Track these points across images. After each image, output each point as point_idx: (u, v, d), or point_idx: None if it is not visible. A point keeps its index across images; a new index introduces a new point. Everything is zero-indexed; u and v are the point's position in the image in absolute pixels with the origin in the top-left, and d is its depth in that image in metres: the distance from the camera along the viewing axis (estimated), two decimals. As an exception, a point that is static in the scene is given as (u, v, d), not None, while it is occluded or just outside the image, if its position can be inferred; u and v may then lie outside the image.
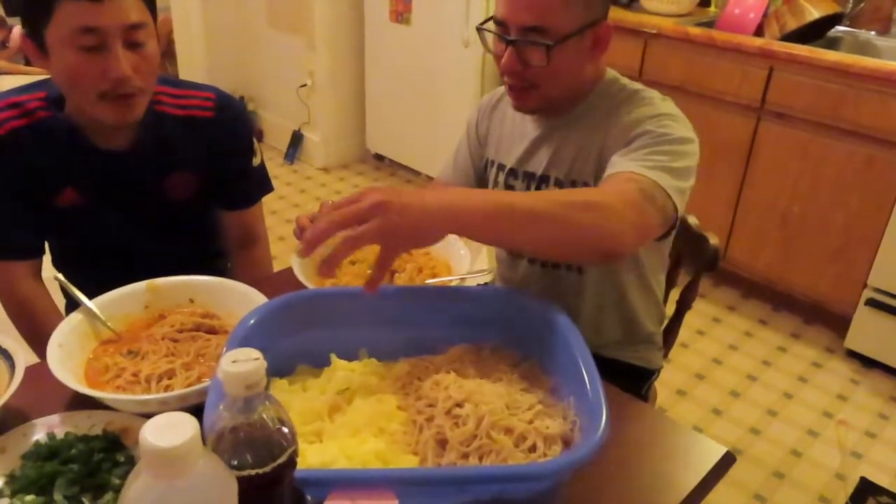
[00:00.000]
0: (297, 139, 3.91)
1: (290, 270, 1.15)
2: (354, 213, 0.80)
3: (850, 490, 1.95)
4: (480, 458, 0.76)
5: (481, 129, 1.38)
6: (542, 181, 1.24)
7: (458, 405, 0.81)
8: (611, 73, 1.23)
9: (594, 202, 0.92)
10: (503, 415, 0.80)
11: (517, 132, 1.29)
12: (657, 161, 1.03)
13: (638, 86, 1.21)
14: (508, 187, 1.30)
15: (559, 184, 1.22)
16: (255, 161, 1.39)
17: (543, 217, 0.87)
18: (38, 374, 0.92)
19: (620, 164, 1.05)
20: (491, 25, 1.16)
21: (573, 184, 1.20)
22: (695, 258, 1.40)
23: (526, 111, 1.23)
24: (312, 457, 0.76)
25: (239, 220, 1.43)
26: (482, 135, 1.38)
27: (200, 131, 1.29)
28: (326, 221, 0.80)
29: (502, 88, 1.32)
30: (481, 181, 1.40)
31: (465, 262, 1.19)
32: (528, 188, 1.27)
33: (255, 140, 1.40)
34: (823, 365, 2.47)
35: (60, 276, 1.12)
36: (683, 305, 1.46)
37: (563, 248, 0.94)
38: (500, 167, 1.31)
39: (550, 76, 1.12)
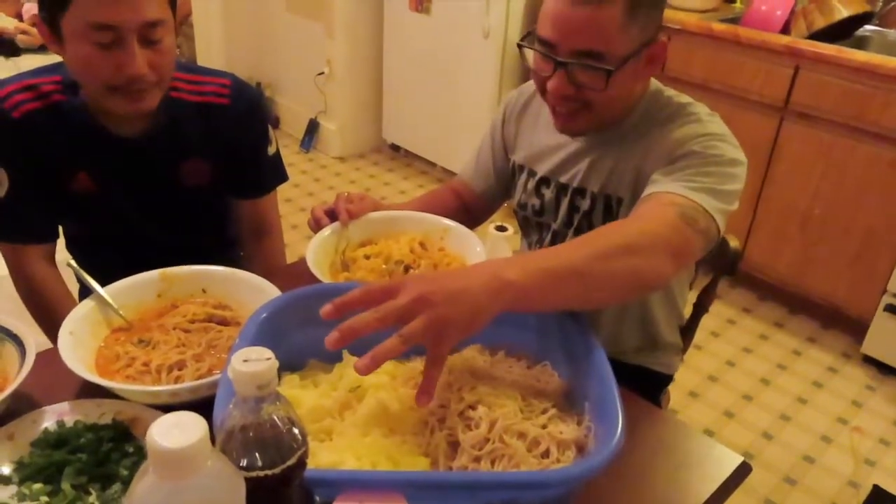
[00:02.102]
0: (313, 127, 3.90)
1: (303, 262, 1.14)
2: (395, 312, 0.72)
3: (863, 498, 1.92)
4: (493, 463, 0.75)
5: (508, 132, 1.32)
6: (576, 193, 1.20)
7: (471, 407, 0.80)
8: (654, 84, 1.16)
9: (631, 244, 0.88)
10: (516, 418, 0.78)
11: (553, 141, 1.22)
12: (702, 182, 0.99)
13: (685, 98, 1.14)
14: (539, 196, 1.26)
15: (594, 197, 1.17)
16: (270, 150, 1.38)
17: (585, 276, 0.83)
18: (49, 361, 0.92)
19: (663, 184, 1.00)
20: (533, 42, 1.06)
21: (606, 198, 1.16)
22: (714, 260, 1.37)
23: (573, 134, 1.16)
24: (322, 455, 0.75)
25: (252, 209, 1.41)
26: (509, 137, 1.32)
27: (215, 118, 1.28)
28: (367, 319, 0.71)
29: (530, 87, 1.27)
30: (503, 184, 1.36)
31: (482, 259, 1.17)
32: (558, 198, 1.23)
33: (270, 128, 1.38)
34: (839, 370, 2.44)
35: (73, 262, 1.11)
36: (700, 308, 1.44)
37: (610, 298, 0.94)
38: (531, 173, 1.27)
39: (605, 99, 1.06)
